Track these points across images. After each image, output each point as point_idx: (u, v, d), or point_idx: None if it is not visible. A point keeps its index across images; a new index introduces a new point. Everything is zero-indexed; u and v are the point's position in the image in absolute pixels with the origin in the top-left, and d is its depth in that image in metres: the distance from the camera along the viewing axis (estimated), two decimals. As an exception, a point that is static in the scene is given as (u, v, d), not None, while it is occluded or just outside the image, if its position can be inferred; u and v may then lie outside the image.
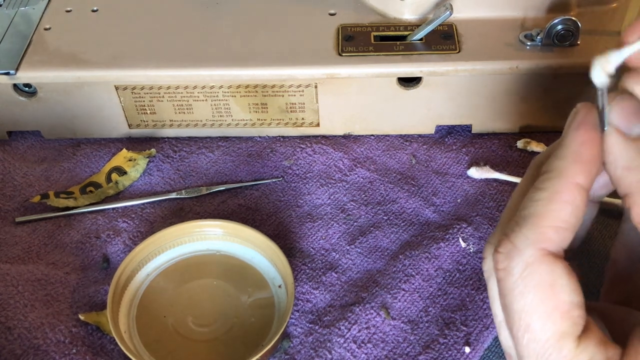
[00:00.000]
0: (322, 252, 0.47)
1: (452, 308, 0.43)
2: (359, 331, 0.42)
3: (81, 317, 0.43)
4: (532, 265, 0.25)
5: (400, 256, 0.46)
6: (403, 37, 0.51)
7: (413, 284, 0.45)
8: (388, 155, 0.53)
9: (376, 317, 0.43)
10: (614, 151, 0.24)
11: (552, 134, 0.53)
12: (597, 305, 0.28)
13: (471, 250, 0.46)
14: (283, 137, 0.55)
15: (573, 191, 0.25)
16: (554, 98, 0.51)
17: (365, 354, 0.41)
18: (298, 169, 0.53)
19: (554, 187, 0.25)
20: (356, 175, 0.52)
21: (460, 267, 0.46)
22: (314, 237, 0.48)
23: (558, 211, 0.25)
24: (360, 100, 0.52)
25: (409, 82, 0.51)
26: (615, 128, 0.24)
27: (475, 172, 0.51)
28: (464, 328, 0.42)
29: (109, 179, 0.52)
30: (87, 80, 0.50)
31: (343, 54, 0.50)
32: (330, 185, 0.51)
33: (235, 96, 0.52)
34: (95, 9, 0.55)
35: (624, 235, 0.30)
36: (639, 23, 0.24)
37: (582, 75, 0.49)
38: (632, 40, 0.24)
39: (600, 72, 0.25)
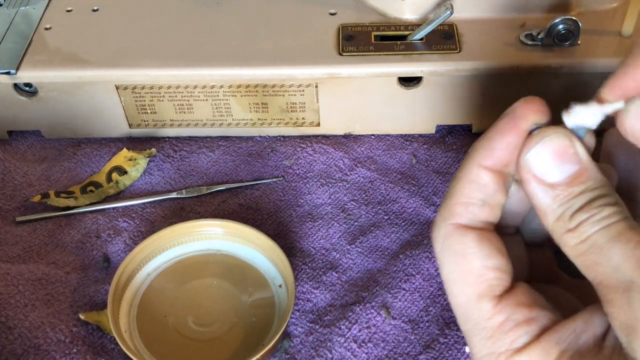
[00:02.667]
0: (323, 251, 0.47)
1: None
2: (360, 331, 0.42)
3: (82, 316, 0.43)
4: (447, 239, 0.28)
5: (401, 256, 0.46)
6: (403, 37, 0.51)
7: (413, 283, 0.45)
8: (388, 155, 0.53)
9: (377, 316, 0.43)
10: (533, 196, 0.26)
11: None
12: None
13: (471, 250, 0.46)
14: (283, 136, 0.55)
15: (476, 171, 0.27)
16: (554, 98, 0.51)
17: (366, 353, 0.41)
18: (298, 169, 0.53)
19: (463, 169, 0.28)
20: (357, 175, 0.52)
21: (461, 267, 0.46)
22: (314, 237, 0.48)
23: (462, 189, 0.27)
24: (361, 99, 0.52)
25: (409, 81, 0.51)
26: (533, 175, 0.26)
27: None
28: (465, 328, 0.42)
29: (109, 178, 0.52)
30: (88, 80, 0.50)
31: (343, 54, 0.50)
32: (330, 185, 0.51)
33: (235, 96, 0.52)
34: (95, 8, 0.55)
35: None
36: (616, 82, 0.26)
37: (583, 75, 0.50)
38: (611, 100, 0.26)
39: (578, 120, 0.26)
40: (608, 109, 0.26)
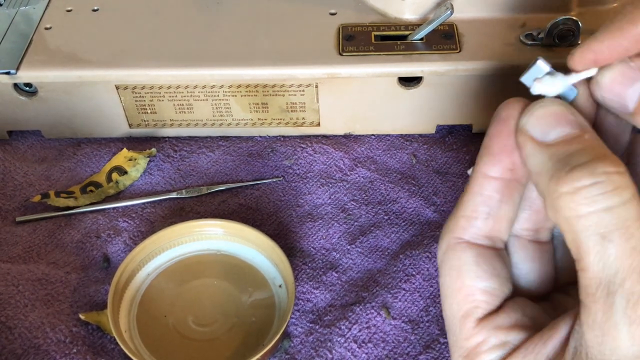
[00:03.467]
0: (323, 251, 0.47)
1: (452, 308, 0.43)
2: (360, 331, 0.42)
3: (82, 316, 0.43)
4: (447, 252, 0.28)
5: (401, 256, 0.46)
6: (404, 37, 0.51)
7: (414, 283, 0.45)
8: (388, 155, 0.53)
9: (377, 316, 0.43)
10: (528, 160, 0.26)
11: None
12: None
13: (472, 250, 0.46)
14: (283, 136, 0.55)
15: (481, 182, 0.27)
16: (554, 98, 0.51)
17: (366, 353, 0.41)
18: (298, 169, 0.53)
19: (470, 181, 0.28)
20: (357, 175, 0.52)
21: (461, 267, 0.46)
22: (314, 237, 0.48)
23: (468, 201, 0.28)
24: (361, 99, 0.52)
25: (409, 81, 0.51)
26: (529, 136, 0.26)
27: (475, 172, 0.51)
28: (465, 328, 0.42)
29: (109, 178, 0.52)
30: (88, 80, 0.50)
31: (344, 54, 0.50)
32: (330, 185, 0.51)
33: (235, 96, 0.52)
34: (95, 8, 0.55)
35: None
36: (584, 52, 0.26)
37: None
38: (580, 69, 0.26)
39: (540, 87, 0.27)
40: (573, 78, 0.26)
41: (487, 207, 0.27)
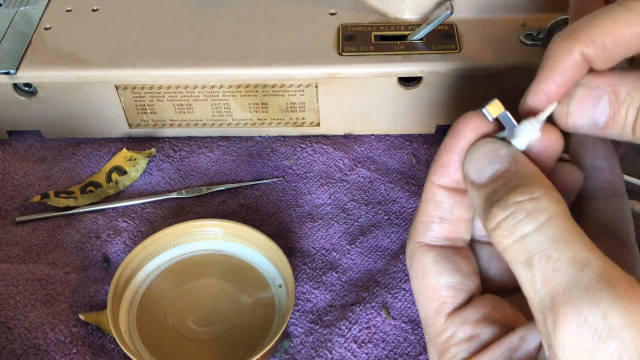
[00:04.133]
0: (323, 251, 0.47)
1: (452, 308, 0.43)
2: (360, 331, 0.42)
3: (81, 316, 0.43)
4: (411, 257, 0.30)
5: (401, 256, 0.46)
6: (403, 37, 0.51)
7: (413, 283, 0.45)
8: (388, 155, 0.53)
9: (377, 316, 0.43)
10: (471, 200, 0.27)
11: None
12: None
13: (472, 250, 0.46)
14: (283, 136, 0.55)
15: (432, 190, 0.29)
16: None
17: (366, 353, 0.41)
18: (298, 169, 0.53)
19: (424, 188, 0.30)
20: (356, 175, 0.52)
21: (461, 267, 0.46)
22: (314, 237, 0.48)
23: (423, 208, 0.29)
24: (361, 99, 0.52)
25: (409, 81, 0.51)
26: (469, 180, 0.27)
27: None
28: (465, 328, 0.42)
29: (109, 178, 0.52)
30: (88, 80, 0.50)
31: (343, 54, 0.50)
32: (330, 185, 0.51)
33: (235, 96, 0.52)
34: (95, 8, 0.55)
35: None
36: (537, 96, 0.28)
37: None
38: (537, 105, 0.28)
39: (527, 139, 0.27)
40: (543, 116, 0.28)
41: (439, 212, 0.29)
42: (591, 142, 0.30)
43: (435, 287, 0.29)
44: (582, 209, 0.30)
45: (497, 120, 0.28)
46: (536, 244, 0.23)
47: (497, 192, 0.25)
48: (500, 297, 0.29)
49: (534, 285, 0.23)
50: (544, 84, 0.27)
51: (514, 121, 0.28)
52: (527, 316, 0.28)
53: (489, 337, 0.27)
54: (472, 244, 0.31)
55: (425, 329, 0.29)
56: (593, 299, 0.21)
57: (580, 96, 0.26)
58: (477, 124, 0.28)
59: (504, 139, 0.28)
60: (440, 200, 0.29)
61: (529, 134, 0.27)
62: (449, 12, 0.48)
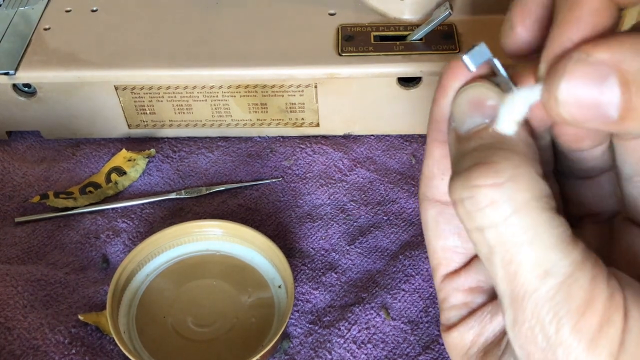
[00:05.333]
0: (322, 252, 0.47)
1: (452, 308, 0.43)
2: (359, 331, 0.42)
3: (81, 317, 0.43)
4: (420, 207, 0.27)
5: (400, 256, 0.46)
6: (403, 37, 0.51)
7: (413, 284, 0.45)
8: (388, 155, 0.53)
9: (376, 317, 0.43)
10: (449, 147, 0.24)
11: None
12: None
13: (471, 251, 0.46)
14: (283, 137, 0.55)
15: (430, 146, 0.26)
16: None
17: (365, 354, 0.41)
18: (298, 169, 0.52)
19: (426, 144, 0.27)
20: (356, 176, 0.52)
21: (460, 268, 0.46)
22: (313, 237, 0.48)
23: (425, 163, 0.27)
24: (360, 100, 0.52)
25: (408, 82, 0.51)
26: (452, 127, 0.24)
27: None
28: (464, 328, 0.42)
29: (108, 179, 0.52)
30: (87, 80, 0.50)
31: (343, 54, 0.50)
32: (330, 186, 0.51)
33: (235, 96, 0.52)
34: (94, 9, 0.55)
35: None
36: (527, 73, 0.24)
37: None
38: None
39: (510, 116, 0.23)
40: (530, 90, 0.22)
41: (439, 169, 0.26)
42: None
43: (433, 246, 0.27)
44: (623, 193, 0.26)
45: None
46: (497, 239, 0.21)
47: (464, 158, 0.22)
48: None
49: (495, 279, 0.21)
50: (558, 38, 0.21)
51: (504, 73, 0.23)
52: None
53: (476, 307, 0.26)
54: None
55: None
56: (549, 310, 0.20)
57: (577, 73, 0.20)
58: (465, 73, 0.25)
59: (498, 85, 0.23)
60: (439, 156, 0.26)
61: (525, 101, 0.22)
62: (448, 12, 0.48)
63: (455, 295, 0.27)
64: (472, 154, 0.22)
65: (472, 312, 0.26)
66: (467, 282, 0.27)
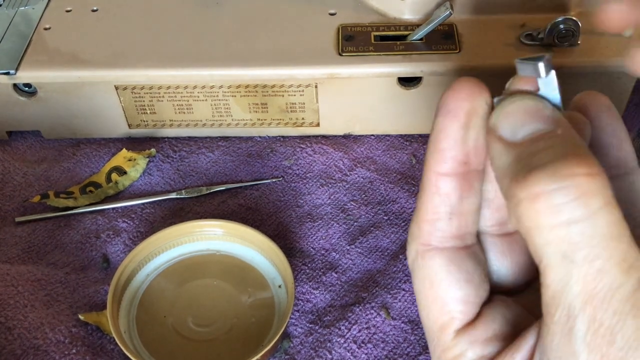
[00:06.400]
0: (322, 252, 0.47)
1: (452, 308, 0.43)
2: (359, 331, 0.42)
3: (81, 317, 0.43)
4: (416, 260, 0.26)
5: (401, 256, 0.46)
6: (403, 37, 0.51)
7: (413, 284, 0.45)
8: (388, 155, 0.53)
9: (376, 317, 0.43)
10: (494, 161, 0.23)
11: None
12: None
13: (471, 250, 0.46)
14: (283, 137, 0.55)
15: (435, 180, 0.25)
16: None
17: (366, 354, 0.41)
18: (298, 169, 0.52)
19: (423, 180, 0.25)
20: (356, 175, 0.52)
21: (461, 267, 0.46)
22: (314, 237, 0.48)
23: (426, 203, 0.25)
24: (361, 100, 0.52)
25: (409, 82, 0.51)
26: (498, 136, 0.23)
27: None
28: (464, 328, 0.42)
29: (108, 179, 0.52)
30: (87, 80, 0.50)
31: (343, 54, 0.50)
32: (330, 185, 0.51)
33: (235, 96, 0.52)
34: (95, 8, 0.55)
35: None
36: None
37: (583, 75, 0.49)
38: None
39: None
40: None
41: (447, 206, 0.25)
42: (594, 113, 0.25)
43: (444, 299, 0.25)
44: None
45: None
46: (585, 235, 0.19)
47: (539, 155, 0.21)
48: (508, 298, 0.27)
49: (568, 280, 0.20)
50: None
51: (557, 92, 0.23)
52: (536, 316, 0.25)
53: (494, 356, 0.25)
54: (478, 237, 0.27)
55: (430, 342, 0.26)
56: (632, 307, 0.20)
57: None
58: (471, 94, 0.24)
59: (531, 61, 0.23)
60: (447, 191, 0.24)
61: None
62: (448, 12, 0.48)
63: (473, 349, 0.25)
64: (547, 151, 0.21)
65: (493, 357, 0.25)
66: (485, 333, 0.25)
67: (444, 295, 0.25)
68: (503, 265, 0.27)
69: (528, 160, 0.21)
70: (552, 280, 0.21)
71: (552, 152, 0.20)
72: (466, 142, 0.24)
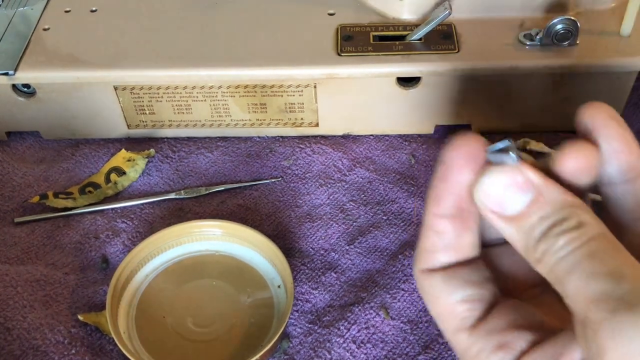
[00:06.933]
0: (322, 252, 0.47)
1: (451, 308, 0.43)
2: (359, 331, 0.42)
3: (80, 317, 0.43)
4: (419, 280, 0.29)
5: (400, 256, 0.46)
6: (402, 37, 0.51)
7: (412, 283, 0.45)
8: (387, 155, 0.53)
9: (375, 317, 0.43)
10: (496, 226, 0.26)
11: (551, 134, 0.53)
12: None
13: (470, 250, 0.46)
14: (282, 137, 0.55)
15: (431, 219, 0.28)
16: (553, 98, 0.51)
17: (365, 354, 0.41)
18: (297, 169, 0.52)
19: (424, 215, 0.28)
20: (355, 175, 0.52)
21: (460, 267, 0.46)
22: (313, 237, 0.48)
23: (425, 236, 0.28)
24: (360, 100, 0.52)
25: (408, 82, 0.51)
26: (489, 209, 0.26)
27: (474, 172, 0.51)
28: (464, 328, 0.42)
29: (108, 179, 0.52)
30: (86, 81, 0.50)
31: (342, 54, 0.50)
32: (329, 185, 0.51)
33: (234, 96, 0.52)
34: (94, 9, 0.55)
35: None
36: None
37: (581, 75, 0.49)
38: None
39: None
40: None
41: (442, 242, 0.28)
42: (601, 122, 0.27)
43: (450, 306, 0.28)
44: (604, 197, 0.28)
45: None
46: (576, 258, 0.23)
47: (534, 229, 0.24)
48: (522, 301, 0.28)
49: (574, 296, 0.23)
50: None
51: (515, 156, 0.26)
52: (553, 320, 0.27)
53: (526, 344, 0.26)
54: (485, 249, 0.30)
55: (454, 349, 0.28)
56: (631, 308, 0.21)
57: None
58: (468, 152, 0.27)
59: (500, 151, 0.26)
60: (442, 230, 0.28)
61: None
62: (447, 12, 0.48)
63: (491, 340, 0.27)
64: (539, 223, 0.24)
65: (525, 352, 0.26)
66: (499, 323, 0.27)
67: (447, 302, 0.28)
68: (512, 265, 0.30)
69: (529, 234, 0.24)
70: (567, 303, 0.23)
71: (543, 224, 0.24)
72: (460, 192, 0.27)
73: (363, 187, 0.51)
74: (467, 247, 0.28)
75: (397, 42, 0.50)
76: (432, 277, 0.28)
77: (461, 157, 0.27)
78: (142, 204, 0.51)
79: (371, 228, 0.48)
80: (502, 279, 0.29)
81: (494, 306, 0.28)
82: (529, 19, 0.51)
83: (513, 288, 0.29)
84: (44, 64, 0.50)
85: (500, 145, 0.26)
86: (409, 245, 0.47)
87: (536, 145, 0.52)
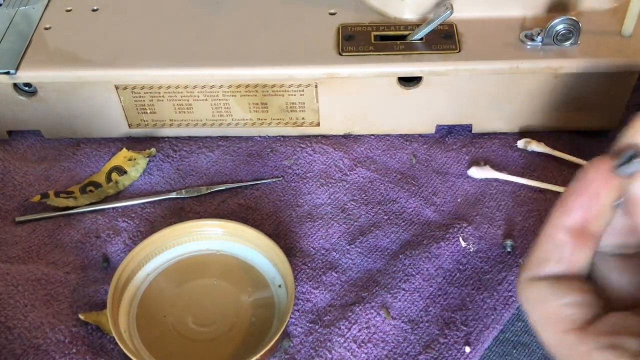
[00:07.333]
0: (322, 251, 0.47)
1: (452, 308, 0.43)
2: (359, 331, 0.42)
3: (81, 316, 0.43)
4: (525, 289, 0.29)
5: (401, 256, 0.46)
6: (403, 37, 0.51)
7: (413, 283, 0.45)
8: (388, 155, 0.53)
9: (376, 316, 0.43)
10: None
11: (552, 134, 0.53)
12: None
13: (471, 250, 0.46)
14: (283, 136, 0.55)
15: (554, 230, 0.28)
16: (554, 98, 0.51)
17: (366, 353, 0.41)
18: (298, 169, 0.53)
19: (545, 225, 0.29)
20: (356, 175, 0.52)
21: (461, 267, 0.46)
22: (314, 237, 0.48)
23: (541, 245, 0.29)
24: (361, 99, 0.52)
25: (409, 81, 0.51)
26: None
27: (475, 172, 0.51)
28: (464, 328, 0.42)
29: (109, 178, 0.52)
30: (87, 80, 0.50)
31: (343, 54, 0.50)
32: (330, 185, 0.51)
33: (235, 96, 0.52)
34: (95, 8, 0.55)
35: None
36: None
37: (583, 75, 0.49)
38: None
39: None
40: None
41: (557, 254, 0.28)
42: None
43: (557, 309, 0.28)
44: None
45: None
46: None
47: None
48: (627, 312, 0.28)
49: None
50: None
51: None
52: None
53: (637, 348, 0.26)
54: (595, 261, 0.30)
55: (559, 355, 0.29)
56: None
57: None
58: (610, 169, 0.27)
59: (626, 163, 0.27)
60: (562, 242, 0.28)
61: None
62: (448, 12, 0.48)
63: (601, 340, 0.27)
64: None
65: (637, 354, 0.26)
66: (608, 326, 0.27)
67: (555, 305, 0.28)
68: (621, 280, 0.30)
69: None
70: None
71: None
72: (591, 209, 0.28)
73: (364, 187, 0.51)
74: (580, 264, 0.29)
75: (398, 42, 0.50)
76: (538, 283, 0.28)
77: (601, 175, 0.27)
78: (143, 203, 0.51)
79: (372, 228, 0.48)
80: (609, 296, 0.30)
81: (602, 314, 0.28)
82: (530, 19, 0.51)
83: (618, 304, 0.29)
84: (45, 63, 0.50)
85: (626, 156, 0.27)
86: (410, 245, 0.47)
87: (537, 145, 0.52)
